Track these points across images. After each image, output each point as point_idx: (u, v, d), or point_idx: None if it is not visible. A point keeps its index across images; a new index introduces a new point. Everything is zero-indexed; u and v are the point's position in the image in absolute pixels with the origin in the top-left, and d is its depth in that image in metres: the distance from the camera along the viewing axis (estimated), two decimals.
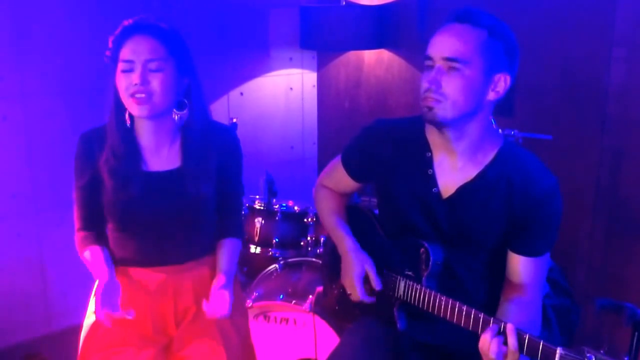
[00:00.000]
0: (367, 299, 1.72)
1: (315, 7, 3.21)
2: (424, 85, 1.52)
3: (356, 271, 1.72)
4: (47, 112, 2.74)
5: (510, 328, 1.37)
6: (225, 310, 1.72)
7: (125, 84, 1.67)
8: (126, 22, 1.72)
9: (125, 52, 1.68)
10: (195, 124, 1.78)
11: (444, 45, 1.51)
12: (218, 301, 1.72)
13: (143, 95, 1.67)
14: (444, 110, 1.51)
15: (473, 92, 1.52)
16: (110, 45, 1.72)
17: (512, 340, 1.36)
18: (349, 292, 1.76)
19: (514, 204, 1.56)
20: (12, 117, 2.66)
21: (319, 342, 2.30)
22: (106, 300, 1.64)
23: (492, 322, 1.42)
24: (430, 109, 1.51)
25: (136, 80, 1.66)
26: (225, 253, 1.87)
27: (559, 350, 1.28)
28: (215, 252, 1.90)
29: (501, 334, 1.39)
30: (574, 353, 1.27)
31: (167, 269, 1.82)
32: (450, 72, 1.50)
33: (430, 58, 1.53)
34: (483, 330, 1.43)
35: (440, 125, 1.54)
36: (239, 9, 3.28)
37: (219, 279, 1.79)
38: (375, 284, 1.70)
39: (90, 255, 1.78)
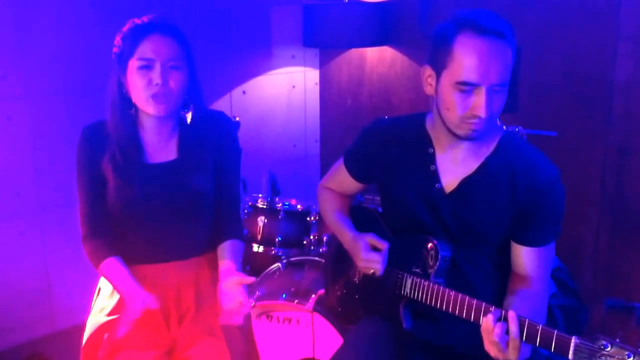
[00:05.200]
0: (385, 263, 1.67)
1: (318, 5, 3.20)
2: (472, 112, 1.48)
3: (362, 247, 1.69)
4: (51, 112, 2.73)
5: (511, 315, 1.36)
6: (240, 320, 1.69)
7: (144, 82, 1.69)
8: (138, 20, 1.73)
9: (145, 51, 1.69)
10: (196, 121, 1.81)
11: (493, 72, 1.46)
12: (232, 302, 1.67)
13: (163, 95, 1.69)
14: (488, 127, 1.53)
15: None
16: (119, 41, 1.72)
17: (513, 328, 1.35)
18: (371, 272, 1.69)
19: (518, 193, 1.56)
20: (17, 116, 2.66)
21: (322, 343, 2.30)
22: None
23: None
24: (477, 131, 1.51)
25: (158, 79, 1.68)
26: (229, 257, 1.82)
27: (573, 339, 1.26)
28: (216, 250, 1.89)
29: (504, 320, 1.37)
30: (589, 342, 1.24)
31: (168, 265, 1.82)
32: (496, 95, 1.48)
33: (474, 85, 1.46)
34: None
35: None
36: (242, 7, 3.28)
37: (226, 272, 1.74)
38: (381, 243, 1.68)
39: (111, 270, 1.75)
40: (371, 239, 1.70)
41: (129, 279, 1.73)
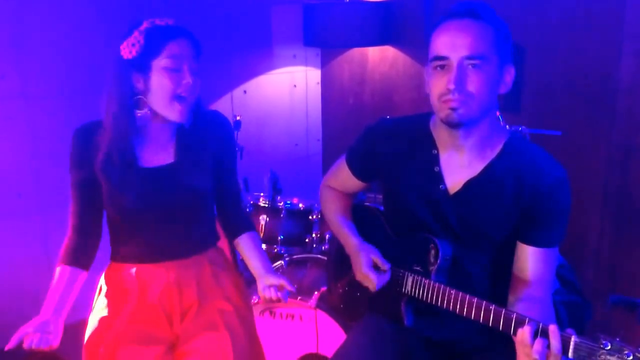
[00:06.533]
0: (384, 281, 1.70)
1: (319, 4, 3.20)
2: (446, 86, 1.49)
3: (364, 262, 1.71)
4: (49, 111, 2.74)
5: (552, 330, 1.31)
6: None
7: (173, 83, 1.67)
8: (159, 22, 1.69)
9: (175, 50, 1.67)
10: (193, 123, 1.78)
11: (462, 44, 1.48)
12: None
13: (188, 96, 1.69)
14: (470, 109, 1.50)
15: (493, 87, 1.52)
16: (141, 40, 1.67)
17: (555, 343, 1.30)
18: (365, 286, 1.73)
19: (523, 196, 1.55)
20: (15, 116, 2.66)
21: (325, 338, 2.31)
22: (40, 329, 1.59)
23: (515, 317, 1.38)
24: (455, 109, 1.49)
25: (188, 79, 1.68)
26: (254, 251, 1.89)
27: (573, 338, 1.27)
28: (217, 248, 1.92)
29: (542, 334, 1.33)
30: (589, 340, 1.24)
31: (170, 264, 1.82)
32: (472, 70, 1.48)
33: (444, 58, 1.49)
34: (494, 321, 1.41)
35: (463, 125, 1.52)
36: (242, 6, 3.28)
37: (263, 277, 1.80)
38: (383, 264, 1.69)
39: (57, 276, 1.74)
40: (375, 257, 1.70)
41: (56, 296, 1.70)
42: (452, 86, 1.47)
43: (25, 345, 1.56)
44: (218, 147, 1.85)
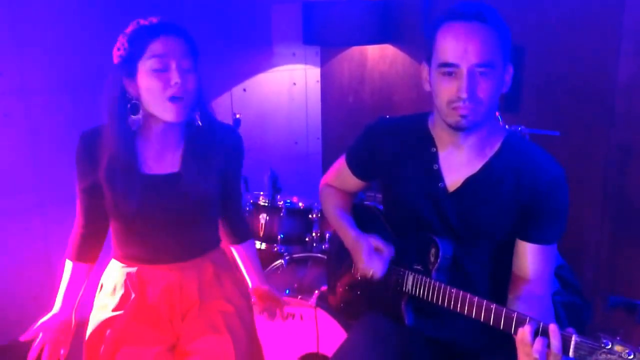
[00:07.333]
0: (386, 267, 1.69)
1: (318, 2, 3.20)
2: (457, 94, 1.48)
3: (365, 249, 1.71)
4: (48, 108, 2.74)
5: (552, 329, 1.31)
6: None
7: (161, 83, 1.61)
8: (144, 21, 1.66)
9: (159, 50, 1.61)
10: (200, 127, 1.76)
11: (472, 51, 1.47)
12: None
13: (182, 96, 1.63)
14: (479, 115, 1.51)
15: (498, 91, 1.53)
16: (125, 43, 1.64)
17: (556, 343, 1.30)
18: (369, 275, 1.71)
19: (522, 193, 1.56)
20: (14, 113, 2.66)
21: (326, 337, 2.31)
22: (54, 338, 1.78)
23: (515, 316, 1.38)
24: (465, 117, 1.50)
25: (177, 78, 1.60)
26: (250, 262, 2.04)
27: (574, 337, 1.27)
28: (218, 248, 1.94)
29: (543, 333, 1.33)
30: (589, 340, 1.24)
31: (172, 267, 1.81)
32: (481, 77, 1.48)
33: (454, 65, 1.48)
34: (495, 321, 1.42)
35: (469, 129, 1.53)
36: (242, 4, 3.28)
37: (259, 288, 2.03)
38: (386, 246, 1.69)
39: (69, 273, 1.85)
40: (375, 241, 1.71)
41: (68, 289, 1.84)
42: (464, 95, 1.47)
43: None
44: (226, 163, 1.83)
